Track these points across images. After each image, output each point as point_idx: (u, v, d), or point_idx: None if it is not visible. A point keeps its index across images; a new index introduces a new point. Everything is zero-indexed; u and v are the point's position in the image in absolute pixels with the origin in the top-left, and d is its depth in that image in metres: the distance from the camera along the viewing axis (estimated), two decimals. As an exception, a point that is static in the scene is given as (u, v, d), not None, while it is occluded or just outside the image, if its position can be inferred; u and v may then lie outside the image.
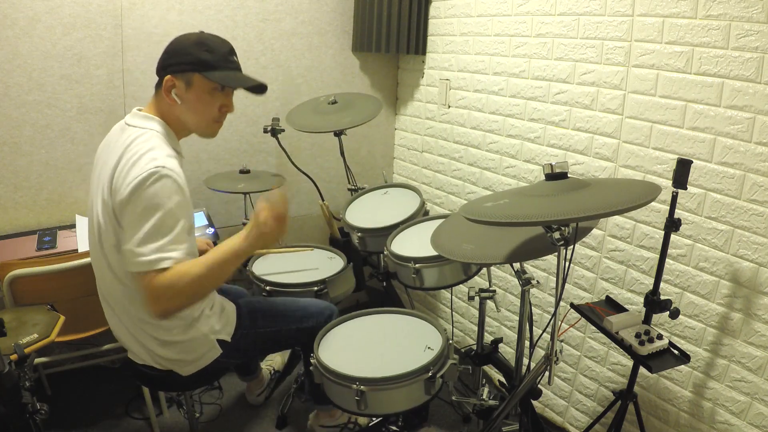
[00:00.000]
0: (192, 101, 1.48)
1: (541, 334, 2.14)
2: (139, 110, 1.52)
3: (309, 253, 2.25)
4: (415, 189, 2.33)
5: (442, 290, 2.88)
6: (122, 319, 1.54)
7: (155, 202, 1.31)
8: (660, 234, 1.80)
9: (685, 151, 1.74)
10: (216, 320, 1.61)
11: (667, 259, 1.70)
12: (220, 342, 1.61)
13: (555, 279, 1.51)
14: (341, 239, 2.39)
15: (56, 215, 2.36)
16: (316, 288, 1.93)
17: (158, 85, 1.50)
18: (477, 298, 1.82)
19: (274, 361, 2.46)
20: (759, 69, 1.52)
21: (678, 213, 1.64)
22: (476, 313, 2.53)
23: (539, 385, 1.57)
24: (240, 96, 2.66)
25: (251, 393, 2.37)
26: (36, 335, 1.57)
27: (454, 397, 2.11)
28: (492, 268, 2.42)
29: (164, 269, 1.31)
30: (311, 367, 1.59)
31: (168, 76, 1.45)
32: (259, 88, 1.55)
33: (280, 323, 1.74)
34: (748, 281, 1.62)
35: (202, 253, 1.51)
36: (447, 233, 1.66)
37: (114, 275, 1.46)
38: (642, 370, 1.65)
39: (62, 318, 1.68)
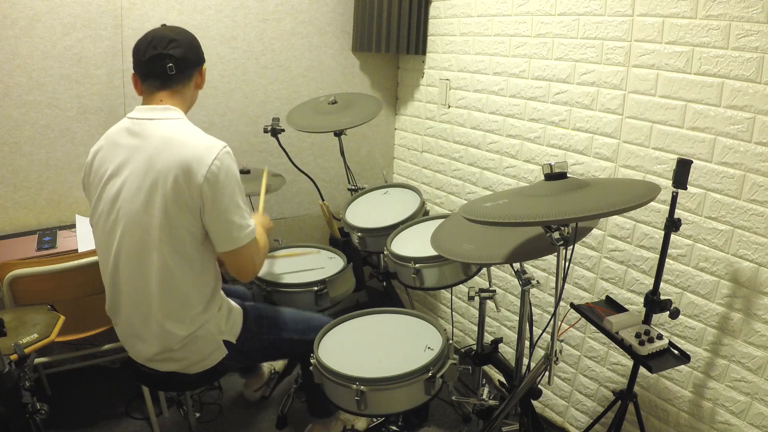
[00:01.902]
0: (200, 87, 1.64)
1: (541, 334, 2.14)
2: (148, 105, 1.50)
3: (309, 253, 2.25)
4: (415, 189, 2.33)
5: (442, 290, 2.88)
6: (149, 320, 1.51)
7: (237, 178, 1.46)
8: (660, 234, 1.80)
9: (685, 151, 1.74)
10: (223, 321, 1.61)
11: (667, 259, 1.70)
12: (226, 343, 1.61)
13: (555, 279, 1.51)
14: (341, 239, 2.39)
15: (56, 215, 2.37)
16: (316, 288, 1.93)
17: (186, 77, 1.54)
18: (477, 298, 1.82)
19: (275, 362, 2.46)
20: (759, 69, 1.52)
21: (678, 213, 1.64)
22: (476, 313, 2.53)
23: (539, 385, 1.57)
24: (240, 96, 2.69)
25: (249, 388, 2.38)
26: (36, 335, 1.57)
27: (454, 397, 2.11)
28: (492, 268, 2.42)
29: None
30: (311, 368, 1.59)
31: (204, 67, 1.61)
32: None
33: (283, 332, 1.75)
34: (748, 281, 1.62)
35: None
36: (447, 233, 1.66)
37: (175, 262, 1.45)
38: (642, 370, 1.65)
39: (62, 318, 1.68)
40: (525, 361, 1.72)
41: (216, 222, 1.44)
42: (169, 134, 1.44)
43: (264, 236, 1.68)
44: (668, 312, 1.61)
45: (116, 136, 1.51)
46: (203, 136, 1.47)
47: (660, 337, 1.58)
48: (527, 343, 1.73)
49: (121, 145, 1.48)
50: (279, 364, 2.46)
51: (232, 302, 1.68)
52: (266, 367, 2.42)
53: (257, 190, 2.05)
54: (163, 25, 1.53)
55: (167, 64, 1.47)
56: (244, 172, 2.39)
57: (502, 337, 2.06)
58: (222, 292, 1.62)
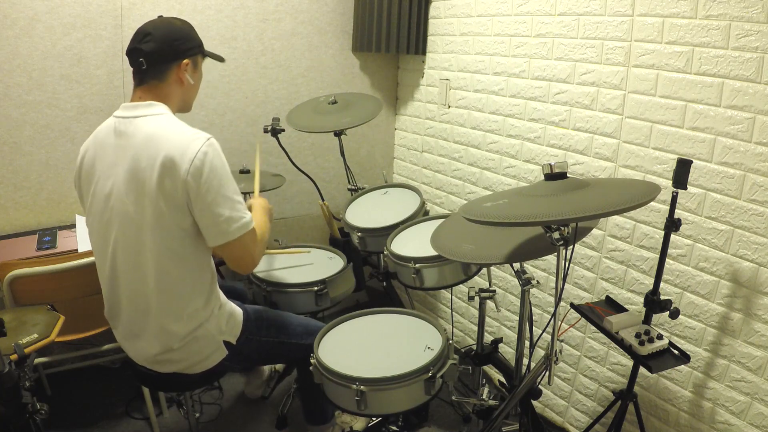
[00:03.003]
0: (197, 80, 1.60)
1: (541, 334, 2.14)
2: (131, 102, 1.50)
3: (309, 252, 2.25)
4: (415, 189, 2.33)
5: (442, 290, 2.88)
6: (148, 319, 1.51)
7: (225, 169, 1.43)
8: (660, 234, 1.80)
9: (685, 151, 1.73)
10: (224, 321, 1.61)
11: (667, 259, 1.70)
12: (226, 344, 1.61)
13: (555, 279, 1.51)
14: (341, 239, 2.39)
15: (56, 215, 2.37)
16: (316, 288, 1.93)
17: (161, 72, 1.50)
18: (477, 298, 1.82)
19: (275, 360, 2.47)
20: (759, 69, 1.52)
21: (678, 213, 1.64)
22: (476, 313, 2.53)
23: (539, 385, 1.57)
24: (240, 96, 2.69)
25: (249, 385, 2.38)
26: (36, 335, 1.57)
27: (454, 397, 2.11)
28: (492, 268, 2.42)
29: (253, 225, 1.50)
30: (311, 368, 1.59)
31: (186, 60, 1.53)
32: (221, 58, 1.73)
33: (282, 335, 1.75)
34: (748, 281, 1.62)
35: None
36: (447, 233, 1.66)
37: (169, 259, 1.45)
38: (642, 370, 1.65)
39: (62, 318, 1.68)
40: (525, 361, 1.72)
41: (204, 216, 1.42)
42: (152, 130, 1.42)
43: (264, 221, 1.65)
44: (668, 312, 1.61)
45: (103, 135, 1.50)
46: (187, 129, 1.43)
47: (660, 337, 1.58)
48: (527, 343, 1.73)
49: (109, 144, 1.47)
50: (279, 364, 2.46)
51: (233, 304, 1.68)
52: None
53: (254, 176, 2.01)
54: (159, 17, 1.53)
55: (138, 58, 1.46)
56: (243, 172, 2.40)
57: (502, 337, 2.06)
58: (220, 290, 1.62)
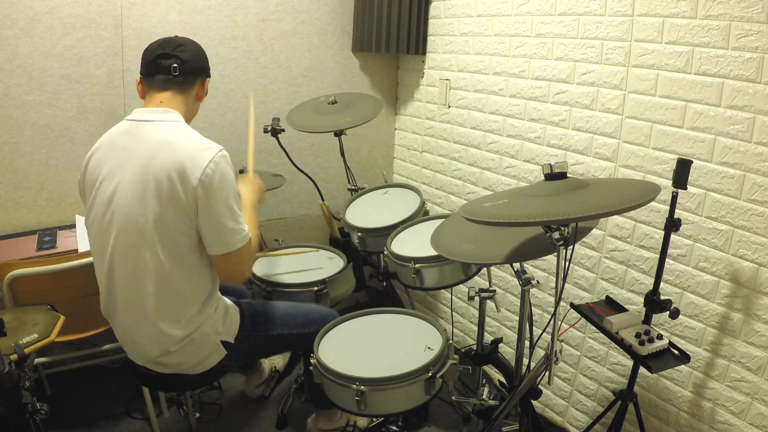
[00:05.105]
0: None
1: (541, 334, 2.14)
2: (146, 107, 1.51)
3: (309, 253, 2.25)
4: (415, 189, 2.33)
5: (442, 290, 2.88)
6: (145, 321, 1.51)
7: (233, 181, 1.47)
8: (660, 234, 1.80)
9: (685, 151, 1.73)
10: (220, 322, 1.61)
11: (667, 259, 1.70)
12: (224, 344, 1.61)
13: (555, 279, 1.51)
14: (341, 239, 2.39)
15: (56, 215, 2.37)
16: (316, 288, 1.93)
17: (189, 83, 1.55)
18: (477, 298, 1.82)
19: (276, 360, 2.46)
20: (759, 69, 1.52)
21: (678, 213, 1.64)
22: (476, 313, 2.53)
23: (539, 385, 1.57)
24: (240, 96, 2.69)
25: (250, 385, 2.38)
26: (36, 335, 1.57)
27: (454, 397, 2.11)
28: (492, 268, 2.42)
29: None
30: (311, 368, 1.59)
31: (209, 78, 1.64)
32: None
33: (281, 328, 1.75)
34: (748, 281, 1.62)
35: None
36: (447, 233, 1.66)
37: (171, 264, 1.45)
38: (642, 370, 1.65)
39: (62, 318, 1.68)
40: (525, 361, 1.72)
41: (208, 225, 1.44)
42: (165, 136, 1.44)
43: (254, 227, 1.64)
44: (668, 312, 1.61)
45: (113, 138, 1.51)
46: (200, 138, 1.46)
47: (660, 337, 1.58)
48: (527, 343, 1.73)
49: (118, 147, 1.48)
50: (279, 363, 2.46)
51: (228, 301, 1.68)
52: (266, 363, 2.42)
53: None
54: (176, 36, 1.56)
55: (172, 64, 1.49)
56: (243, 171, 2.39)
57: (502, 337, 2.06)
58: (219, 292, 1.62)
